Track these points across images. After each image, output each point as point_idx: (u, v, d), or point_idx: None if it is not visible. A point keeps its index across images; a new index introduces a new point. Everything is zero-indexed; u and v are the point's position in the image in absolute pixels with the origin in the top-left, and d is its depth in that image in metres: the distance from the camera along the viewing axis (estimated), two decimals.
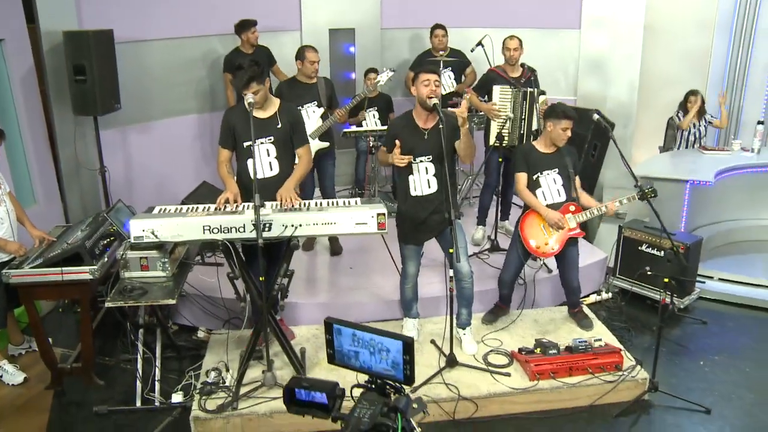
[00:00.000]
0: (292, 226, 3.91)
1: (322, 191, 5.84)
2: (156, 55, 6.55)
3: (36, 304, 4.31)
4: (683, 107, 6.86)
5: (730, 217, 6.62)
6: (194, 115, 6.95)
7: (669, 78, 7.48)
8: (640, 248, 5.57)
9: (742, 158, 6.34)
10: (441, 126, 4.10)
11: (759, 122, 6.57)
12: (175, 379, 4.49)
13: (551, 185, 4.70)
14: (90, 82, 5.45)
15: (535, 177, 4.69)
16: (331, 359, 2.48)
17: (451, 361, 4.40)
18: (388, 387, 2.24)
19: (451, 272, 4.30)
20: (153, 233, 3.90)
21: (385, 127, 6.34)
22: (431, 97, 4.15)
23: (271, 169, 4.23)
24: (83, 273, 4.10)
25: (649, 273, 5.42)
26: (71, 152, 5.87)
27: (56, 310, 5.44)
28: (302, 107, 5.50)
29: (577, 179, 4.80)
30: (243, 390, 4.12)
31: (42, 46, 5.60)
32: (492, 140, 5.71)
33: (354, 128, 6.65)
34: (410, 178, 4.38)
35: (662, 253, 5.42)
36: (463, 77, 6.94)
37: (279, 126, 4.17)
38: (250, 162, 4.10)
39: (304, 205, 4.08)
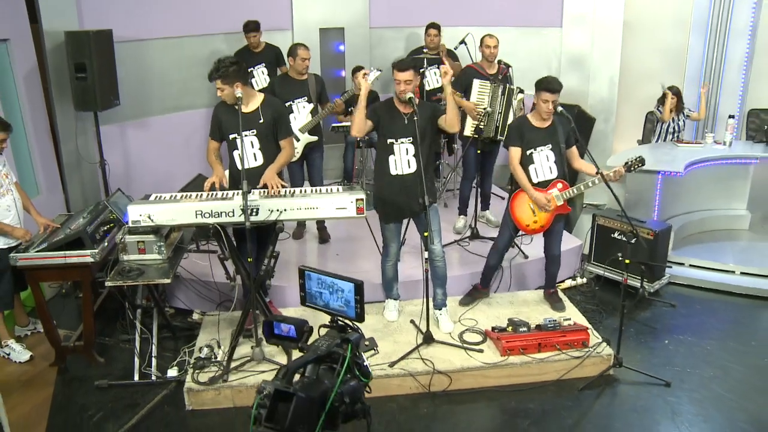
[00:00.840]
0: (278, 210, 4.26)
1: (311, 182, 6.18)
2: (154, 53, 6.91)
3: (41, 287, 4.67)
4: (662, 102, 7.17)
5: (703, 207, 6.95)
6: (192, 111, 7.29)
7: (648, 73, 7.80)
8: (612, 235, 5.90)
9: (714, 151, 6.66)
10: (415, 118, 4.45)
11: (730, 116, 6.91)
12: (171, 356, 4.83)
13: (544, 162, 4.93)
14: (90, 80, 5.81)
15: (528, 153, 4.92)
16: (303, 301, 2.97)
17: (428, 338, 4.73)
18: (349, 328, 2.57)
19: (426, 254, 4.63)
20: (149, 217, 4.25)
21: None
22: (403, 93, 4.50)
23: (256, 160, 4.57)
24: (85, 256, 4.44)
25: (620, 259, 5.75)
26: (72, 146, 6.23)
27: (59, 295, 5.79)
28: (293, 102, 5.86)
29: (575, 148, 5.04)
30: (233, 364, 4.47)
31: (45, 45, 5.96)
32: (468, 132, 6.03)
33: (342, 123, 6.99)
34: (391, 158, 4.69)
35: (634, 239, 5.75)
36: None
37: (261, 120, 4.51)
38: (236, 153, 4.46)
39: (289, 191, 4.44)
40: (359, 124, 4.59)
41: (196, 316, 5.39)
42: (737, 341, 5.15)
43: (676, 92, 7.05)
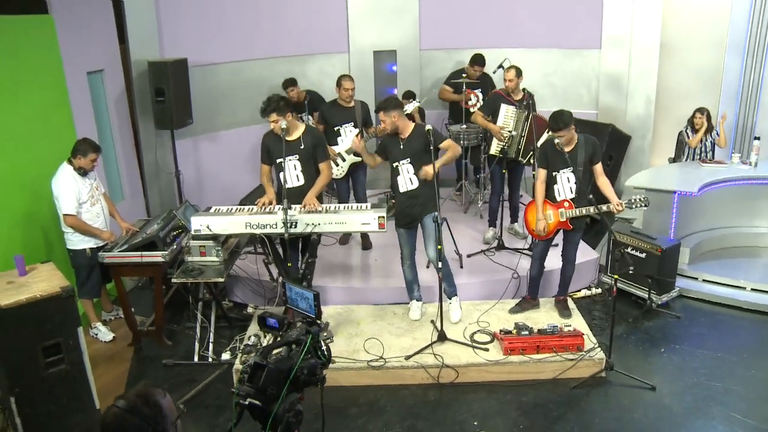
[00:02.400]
0: (313, 224, 5.22)
1: (356, 197, 7.08)
2: (224, 75, 8.01)
3: (123, 280, 5.80)
4: (691, 123, 7.68)
5: (726, 224, 7.44)
6: (256, 126, 8.26)
7: (684, 93, 8.32)
8: (625, 250, 6.53)
9: (737, 171, 7.16)
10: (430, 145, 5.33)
11: (755, 138, 7.38)
12: (226, 342, 5.85)
13: (565, 184, 5.69)
14: (167, 102, 6.93)
15: (553, 174, 5.70)
16: (285, 303, 4.23)
17: (442, 337, 5.58)
18: (314, 324, 3.45)
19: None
20: (208, 227, 5.31)
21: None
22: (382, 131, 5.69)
23: (298, 180, 5.55)
24: (157, 257, 5.53)
25: (631, 272, 6.42)
26: (152, 158, 7.40)
27: (137, 287, 6.94)
28: (340, 126, 6.80)
29: (600, 165, 5.72)
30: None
31: (132, 73, 7.13)
32: (494, 151, 6.81)
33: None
34: (398, 178, 5.61)
35: (645, 255, 6.40)
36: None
37: (302, 147, 5.47)
38: (281, 174, 5.43)
39: (324, 208, 5.38)
40: (371, 165, 5.74)
41: (249, 309, 6.42)
42: (730, 353, 5.71)
43: (705, 113, 7.55)
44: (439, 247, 5.39)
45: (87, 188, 5.70)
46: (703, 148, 7.68)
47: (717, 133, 7.66)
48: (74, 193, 5.55)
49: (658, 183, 6.91)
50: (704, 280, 6.74)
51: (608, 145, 8.09)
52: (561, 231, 5.84)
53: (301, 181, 5.56)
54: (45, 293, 4.37)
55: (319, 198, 5.61)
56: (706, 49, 8.20)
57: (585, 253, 6.79)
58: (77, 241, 5.73)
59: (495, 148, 6.83)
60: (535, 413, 5.00)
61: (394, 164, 5.60)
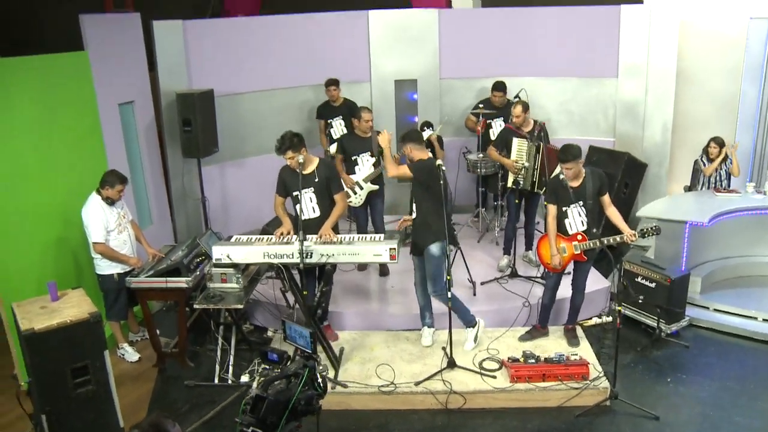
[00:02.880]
0: (327, 255, 5.52)
1: (373, 224, 7.37)
2: (250, 104, 8.38)
3: (148, 304, 6.16)
4: (706, 152, 7.81)
5: (739, 253, 7.54)
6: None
7: (701, 120, 8.45)
8: (636, 279, 6.72)
9: (751, 200, 7.27)
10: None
11: None
12: (245, 365, 6.15)
13: (576, 217, 5.93)
14: (194, 132, 7.30)
15: (563, 209, 5.94)
16: (285, 339, 4.58)
17: (451, 363, 5.82)
18: (311, 358, 3.75)
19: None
20: (228, 257, 5.63)
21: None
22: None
23: (314, 212, 5.86)
24: (181, 283, 5.86)
25: (640, 301, 6.61)
26: (179, 184, 7.79)
27: (162, 310, 7.29)
28: (358, 156, 7.10)
29: (607, 196, 5.96)
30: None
31: (161, 103, 7.53)
32: (509, 183, 7.05)
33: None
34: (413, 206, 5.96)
35: (655, 284, 6.56)
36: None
37: (317, 180, 5.78)
38: (298, 206, 5.74)
39: (338, 239, 5.67)
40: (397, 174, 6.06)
41: (269, 333, 6.73)
42: (737, 383, 5.85)
43: (720, 142, 7.69)
44: (448, 277, 5.64)
45: (115, 217, 6.06)
46: (718, 177, 7.80)
47: (730, 161, 7.78)
48: (102, 222, 5.92)
49: (669, 213, 7.06)
50: (715, 310, 6.86)
51: (624, 172, 8.27)
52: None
53: (317, 213, 5.87)
54: (75, 318, 4.71)
55: (336, 228, 5.90)
56: (722, 77, 8.32)
57: (596, 282, 6.97)
58: (105, 267, 6.10)
59: (510, 181, 7.07)
60: None
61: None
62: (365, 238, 5.78)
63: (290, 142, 5.63)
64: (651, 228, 5.82)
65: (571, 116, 8.96)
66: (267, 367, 5.68)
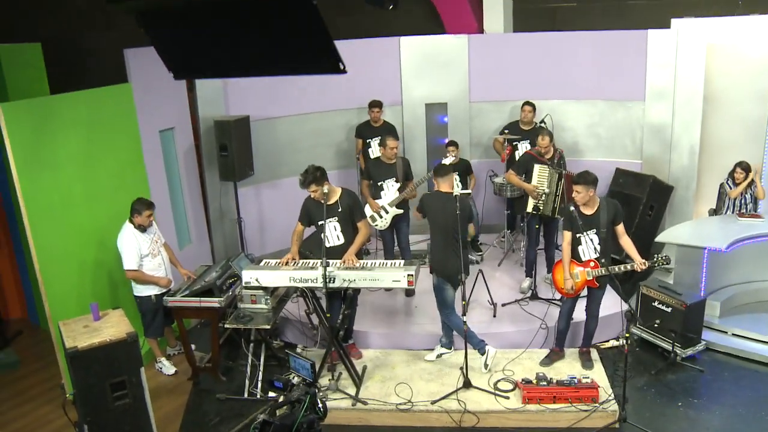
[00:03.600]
0: (349, 280, 5.93)
1: (399, 245, 7.78)
2: (285, 127, 8.88)
3: (185, 321, 6.66)
4: (731, 175, 7.96)
5: (760, 277, 7.68)
6: None
7: (729, 144, 8.57)
8: (653, 304, 6.95)
9: None
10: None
11: None
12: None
13: (589, 244, 6.21)
14: (230, 157, 7.81)
15: (577, 236, 6.26)
16: (290, 370, 5.02)
17: (467, 384, 6.16)
18: (312, 386, 4.15)
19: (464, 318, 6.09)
20: (257, 280, 6.09)
21: (467, 192, 8.25)
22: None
23: (338, 240, 6.27)
24: (213, 302, 6.34)
25: (656, 325, 6.84)
26: (217, 205, 8.31)
27: (199, 325, 7.80)
28: (383, 182, 7.51)
29: (621, 226, 6.25)
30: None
31: (200, 129, 8.06)
32: (529, 209, 7.35)
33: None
34: None
35: (671, 309, 6.78)
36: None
37: (340, 210, 6.20)
38: (322, 235, 6.16)
39: (360, 265, 6.07)
40: None
41: (299, 349, 7.17)
42: (748, 409, 6.03)
43: (746, 167, 7.83)
44: (463, 302, 6.00)
45: (148, 242, 6.55)
46: (743, 201, 7.93)
47: (755, 185, 7.91)
48: (135, 249, 6.42)
49: (688, 239, 7.26)
50: (733, 334, 7.04)
51: (649, 195, 8.47)
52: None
53: (341, 241, 6.28)
54: (114, 338, 5.21)
55: (359, 254, 6.31)
56: (750, 101, 8.43)
57: (615, 304, 7.21)
58: (143, 289, 6.60)
59: (530, 206, 7.36)
60: None
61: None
62: (386, 264, 6.17)
63: (313, 176, 6.06)
64: (661, 258, 6.06)
65: (599, 139, 9.19)
66: (293, 383, 6.25)
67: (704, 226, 7.70)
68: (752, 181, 7.89)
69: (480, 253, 8.65)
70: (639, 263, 6.02)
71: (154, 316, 6.67)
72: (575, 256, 6.27)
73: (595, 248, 6.19)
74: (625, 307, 7.22)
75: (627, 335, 5.77)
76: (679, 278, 7.40)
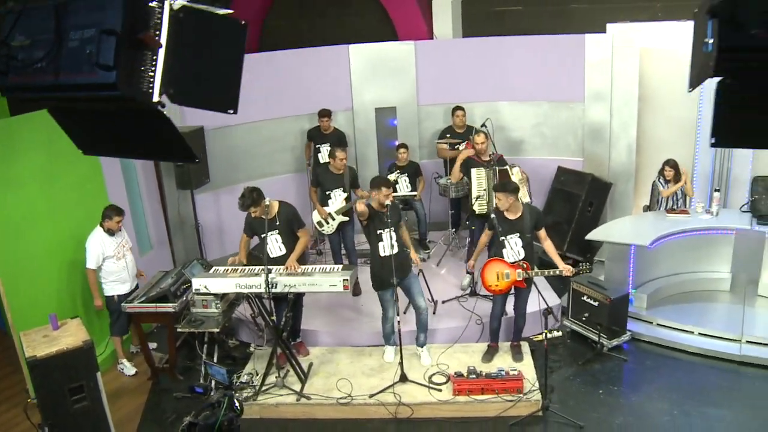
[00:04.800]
0: (289, 285, 6.50)
1: (346, 248, 8.36)
2: (240, 135, 9.41)
3: (142, 326, 7.23)
4: (661, 173, 8.54)
5: (687, 269, 8.30)
6: (272, 177, 9.71)
7: (664, 142, 9.16)
8: (582, 298, 7.55)
9: (698, 221, 8.00)
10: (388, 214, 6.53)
11: (716, 190, 8.23)
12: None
13: (513, 247, 6.79)
14: (186, 167, 8.35)
15: (501, 239, 6.84)
16: (207, 377, 5.50)
17: (403, 378, 6.76)
18: (229, 389, 4.72)
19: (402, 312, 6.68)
20: (205, 287, 6.65)
21: (413, 193, 8.82)
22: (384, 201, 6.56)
23: (281, 251, 6.83)
24: (168, 308, 6.90)
25: (584, 318, 7.46)
26: (176, 212, 8.86)
27: (154, 330, 8.31)
28: (331, 191, 8.07)
29: (543, 231, 6.85)
30: (263, 388, 6.75)
31: None
32: (474, 207, 7.91)
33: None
34: (380, 244, 6.78)
35: (597, 303, 7.38)
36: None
37: (278, 223, 6.75)
38: (266, 247, 6.73)
39: (301, 271, 6.64)
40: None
41: (252, 348, 7.75)
42: (661, 394, 6.67)
43: (673, 165, 8.41)
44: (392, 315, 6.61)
45: (113, 246, 7.13)
46: (674, 198, 8.52)
47: (683, 199, 8.49)
48: (99, 250, 7.01)
49: (615, 236, 7.88)
50: (658, 324, 7.66)
51: (588, 192, 9.06)
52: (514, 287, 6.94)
53: (284, 251, 6.84)
54: (71, 346, 5.75)
55: (302, 260, 6.89)
56: (682, 102, 8.95)
57: (549, 299, 7.76)
58: (108, 289, 7.21)
59: (477, 206, 7.90)
60: None
61: (378, 232, 6.70)
62: (325, 269, 6.74)
63: (251, 199, 6.58)
64: (585, 267, 6.68)
65: (544, 138, 9.76)
66: (243, 381, 6.88)
67: (632, 223, 8.30)
68: (679, 177, 8.45)
69: (427, 251, 9.24)
70: (565, 269, 6.62)
71: (119, 316, 7.21)
72: (500, 257, 6.84)
73: (518, 251, 6.76)
74: (558, 301, 7.92)
75: (546, 331, 6.37)
76: (610, 273, 8.03)
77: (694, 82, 2.59)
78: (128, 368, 7.51)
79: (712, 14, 2.22)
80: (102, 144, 2.83)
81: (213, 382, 6.00)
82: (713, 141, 2.62)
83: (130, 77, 2.15)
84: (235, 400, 4.31)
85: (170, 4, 2.17)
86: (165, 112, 2.30)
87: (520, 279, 6.78)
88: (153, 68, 2.18)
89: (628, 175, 9.36)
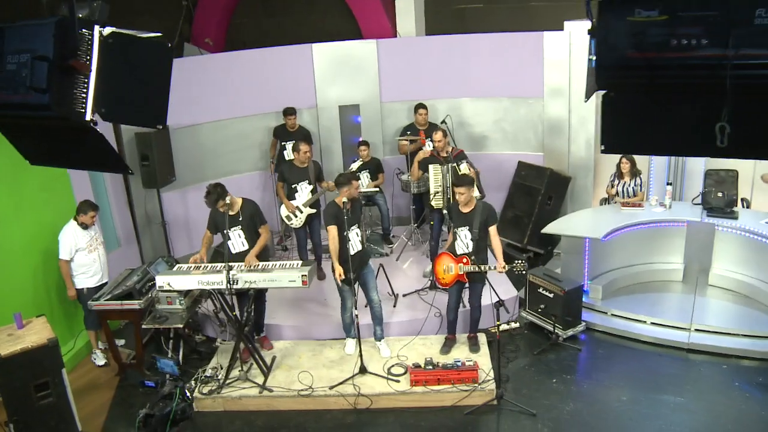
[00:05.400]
0: (250, 281, 6.73)
1: (312, 242, 8.62)
2: (207, 133, 9.60)
3: (109, 324, 7.43)
4: (618, 166, 8.83)
5: (641, 261, 8.61)
6: (239, 175, 9.91)
7: None
8: (538, 290, 7.85)
9: (652, 214, 8.32)
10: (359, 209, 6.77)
11: (668, 183, 8.55)
12: (193, 372, 7.37)
13: (464, 239, 7.05)
14: (152, 166, 8.54)
15: (453, 231, 7.11)
16: (156, 366, 5.74)
17: (363, 370, 7.02)
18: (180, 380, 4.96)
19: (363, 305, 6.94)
20: (169, 284, 6.86)
21: (375, 189, 9.07)
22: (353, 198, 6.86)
23: (243, 246, 7.06)
24: (134, 305, 7.11)
25: (539, 310, 7.75)
26: (142, 210, 9.05)
27: (122, 326, 8.51)
28: (297, 184, 8.30)
29: (494, 228, 7.03)
30: (227, 382, 6.98)
31: (123, 140, 8.77)
32: (433, 203, 8.19)
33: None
34: (349, 244, 7.01)
35: (552, 294, 7.68)
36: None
37: (241, 219, 6.98)
38: (229, 242, 6.95)
39: (259, 267, 6.86)
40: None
41: (217, 343, 7.98)
42: (612, 381, 6.98)
43: (630, 159, 8.71)
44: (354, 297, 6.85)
45: (86, 239, 7.37)
46: (629, 191, 8.82)
47: (640, 187, 8.79)
48: (71, 243, 7.25)
49: (570, 230, 8.17)
50: (612, 315, 7.97)
51: (548, 186, 9.36)
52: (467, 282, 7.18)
53: (246, 247, 7.08)
54: (35, 344, 5.95)
55: (263, 255, 7.11)
56: None
57: (507, 291, 8.11)
58: (78, 282, 7.44)
59: (435, 201, 8.18)
60: None
61: (345, 233, 6.92)
62: (284, 265, 6.97)
63: (216, 194, 6.82)
64: (520, 263, 6.88)
65: (505, 134, 10.04)
66: (207, 375, 7.09)
67: (586, 217, 8.60)
68: (637, 172, 8.77)
69: (390, 246, 9.50)
70: (500, 266, 6.86)
71: (91, 309, 7.40)
72: (451, 249, 7.10)
73: (467, 244, 7.01)
74: (515, 292, 8.20)
75: (498, 323, 6.65)
76: (567, 265, 8.32)
77: (588, 93, 2.84)
78: (99, 358, 7.75)
79: (591, 35, 2.48)
80: (45, 156, 3.06)
81: (167, 376, 6.21)
82: (603, 148, 2.88)
83: (63, 98, 2.38)
84: (186, 391, 4.53)
85: (100, 31, 2.38)
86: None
87: (461, 273, 7.03)
88: (85, 90, 2.41)
89: (587, 170, 9.66)
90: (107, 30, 2.39)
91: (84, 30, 2.36)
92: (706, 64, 2.26)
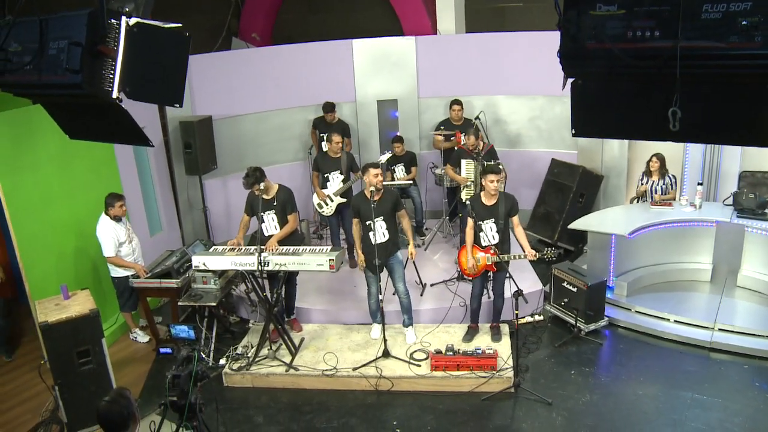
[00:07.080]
0: (280, 264, 7.14)
1: (344, 230, 9.01)
2: (248, 124, 10.09)
3: (148, 301, 7.95)
4: (647, 169, 8.98)
5: (668, 260, 8.74)
6: (278, 165, 10.37)
7: None
8: (562, 284, 8.07)
9: (681, 213, 8.46)
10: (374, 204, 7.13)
11: (699, 183, 8.65)
12: (225, 350, 7.86)
13: (489, 232, 7.34)
14: (194, 154, 9.05)
15: (478, 224, 7.41)
16: (171, 335, 6.04)
17: (386, 353, 7.37)
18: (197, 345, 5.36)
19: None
20: (204, 265, 7.32)
21: (408, 182, 9.42)
22: (379, 183, 7.18)
23: (276, 230, 7.48)
24: (171, 283, 7.62)
25: (563, 303, 7.98)
26: (185, 196, 9.57)
27: (161, 304, 9.05)
28: (329, 174, 8.70)
29: (516, 218, 7.33)
30: (256, 359, 7.41)
31: (168, 129, 9.30)
32: (463, 197, 8.50)
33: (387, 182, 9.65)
34: (370, 234, 7.37)
35: (576, 289, 7.90)
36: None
37: (275, 203, 7.40)
38: (263, 225, 7.38)
39: (287, 251, 7.27)
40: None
41: (250, 325, 8.43)
42: (630, 376, 7.16)
43: (660, 158, 8.86)
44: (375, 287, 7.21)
45: (124, 230, 7.83)
46: (659, 190, 8.95)
47: (672, 186, 8.92)
48: (113, 238, 7.68)
49: (597, 226, 8.36)
50: (636, 311, 8.14)
51: (579, 184, 9.56)
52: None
53: (278, 230, 7.49)
54: (79, 314, 6.48)
55: (287, 241, 7.50)
56: None
57: (533, 284, 8.36)
58: (120, 271, 7.88)
59: (464, 194, 8.51)
60: (444, 418, 6.70)
61: (367, 222, 7.27)
62: (314, 250, 7.37)
63: (254, 177, 7.25)
64: (550, 251, 7.13)
65: (540, 131, 10.26)
66: (238, 353, 7.55)
67: (614, 214, 8.77)
68: (665, 172, 8.89)
69: (423, 238, 9.83)
70: (530, 254, 7.12)
71: (130, 294, 7.94)
72: (477, 242, 7.38)
73: (493, 236, 7.29)
74: (541, 285, 8.44)
75: (516, 312, 6.91)
76: (592, 261, 8.52)
77: (563, 83, 3.13)
78: (141, 336, 8.28)
79: (558, 27, 2.79)
80: (81, 130, 3.50)
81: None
82: (573, 132, 3.17)
83: (93, 78, 2.79)
84: (202, 354, 4.97)
85: (126, 21, 2.79)
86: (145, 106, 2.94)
87: (490, 263, 7.31)
88: (112, 71, 2.82)
89: (620, 169, 9.82)
90: (133, 20, 2.79)
91: (113, 20, 2.77)
92: (658, 55, 2.54)
